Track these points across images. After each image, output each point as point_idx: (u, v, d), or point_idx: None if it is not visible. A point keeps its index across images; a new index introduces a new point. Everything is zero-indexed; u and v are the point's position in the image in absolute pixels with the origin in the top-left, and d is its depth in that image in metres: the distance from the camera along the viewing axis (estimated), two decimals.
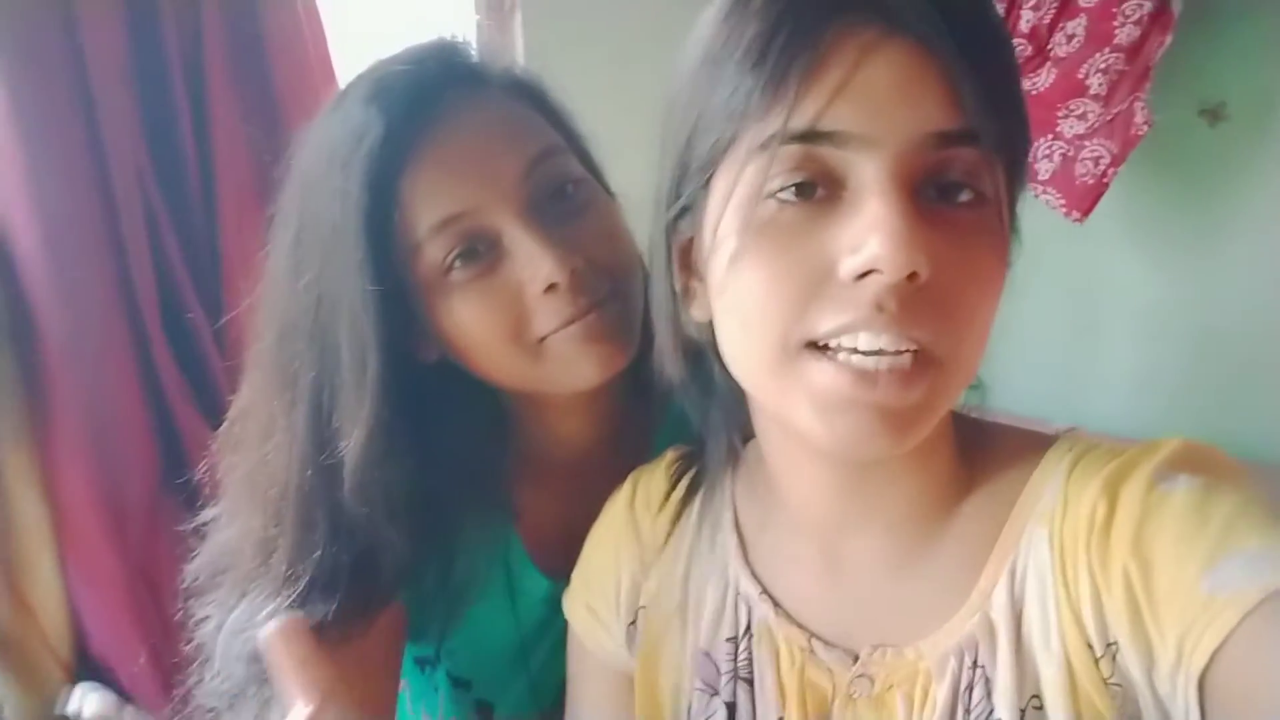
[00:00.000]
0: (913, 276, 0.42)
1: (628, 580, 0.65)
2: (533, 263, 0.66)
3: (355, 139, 0.64)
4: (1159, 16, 1.76)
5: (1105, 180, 1.87)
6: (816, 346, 0.45)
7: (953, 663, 0.51)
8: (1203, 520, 0.44)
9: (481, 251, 0.67)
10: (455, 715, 0.79)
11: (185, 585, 0.77)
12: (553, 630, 0.77)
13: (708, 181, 0.49)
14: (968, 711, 0.50)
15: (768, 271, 0.45)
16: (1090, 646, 0.47)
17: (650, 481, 0.68)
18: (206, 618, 0.74)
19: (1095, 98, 1.82)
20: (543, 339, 0.68)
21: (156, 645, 1.22)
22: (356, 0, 1.58)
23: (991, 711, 0.49)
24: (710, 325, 0.52)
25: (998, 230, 0.46)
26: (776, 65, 0.44)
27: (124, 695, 1.29)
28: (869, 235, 0.42)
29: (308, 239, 0.67)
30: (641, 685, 0.63)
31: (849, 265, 0.43)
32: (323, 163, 0.66)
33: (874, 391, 0.44)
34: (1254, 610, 0.40)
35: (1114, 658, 0.46)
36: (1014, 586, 0.51)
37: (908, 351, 0.44)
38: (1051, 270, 2.06)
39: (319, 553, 0.69)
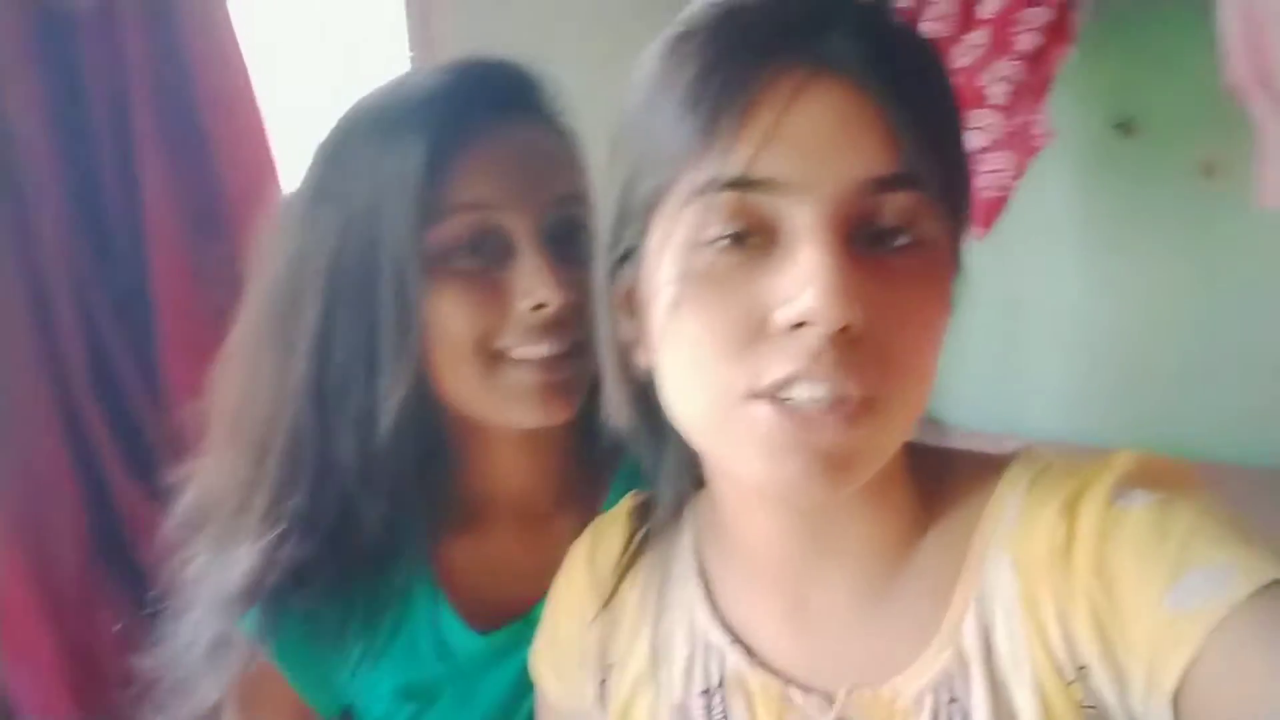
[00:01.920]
0: (846, 328, 0.42)
1: (594, 638, 0.64)
2: (534, 277, 0.68)
3: (427, 103, 0.68)
4: (1060, 25, 1.78)
5: (1006, 193, 1.87)
6: (757, 395, 0.44)
7: (929, 699, 0.51)
8: (1162, 536, 0.44)
9: (488, 251, 0.69)
10: None
11: (167, 537, 0.77)
12: (499, 679, 0.77)
13: (646, 226, 0.48)
14: None
15: (705, 322, 0.45)
16: (1060, 671, 0.47)
17: (609, 533, 0.67)
18: (190, 560, 0.75)
19: (995, 108, 1.82)
20: (505, 354, 0.69)
21: None
22: (282, 34, 1.56)
23: None
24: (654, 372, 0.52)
25: (937, 273, 0.47)
26: (710, 110, 0.43)
27: None
28: (802, 287, 0.42)
29: (342, 188, 0.69)
30: None
31: (783, 316, 0.43)
32: (377, 123, 0.69)
33: (818, 433, 0.43)
34: (1219, 626, 0.40)
35: (1085, 682, 0.46)
36: (982, 616, 0.50)
37: (846, 399, 0.43)
38: (978, 283, 2.10)
39: (301, 496, 0.70)
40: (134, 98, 1.23)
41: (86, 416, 1.20)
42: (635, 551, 0.65)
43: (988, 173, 1.86)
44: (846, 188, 0.43)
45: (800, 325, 0.43)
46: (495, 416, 0.73)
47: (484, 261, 0.69)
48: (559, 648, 0.67)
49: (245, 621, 0.73)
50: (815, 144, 0.43)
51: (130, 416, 1.23)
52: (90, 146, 1.22)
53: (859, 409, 0.44)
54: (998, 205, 1.89)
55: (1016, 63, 1.80)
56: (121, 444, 1.22)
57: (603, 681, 0.64)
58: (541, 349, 0.70)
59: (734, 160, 0.43)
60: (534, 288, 0.68)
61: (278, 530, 0.70)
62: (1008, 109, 1.82)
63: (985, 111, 1.82)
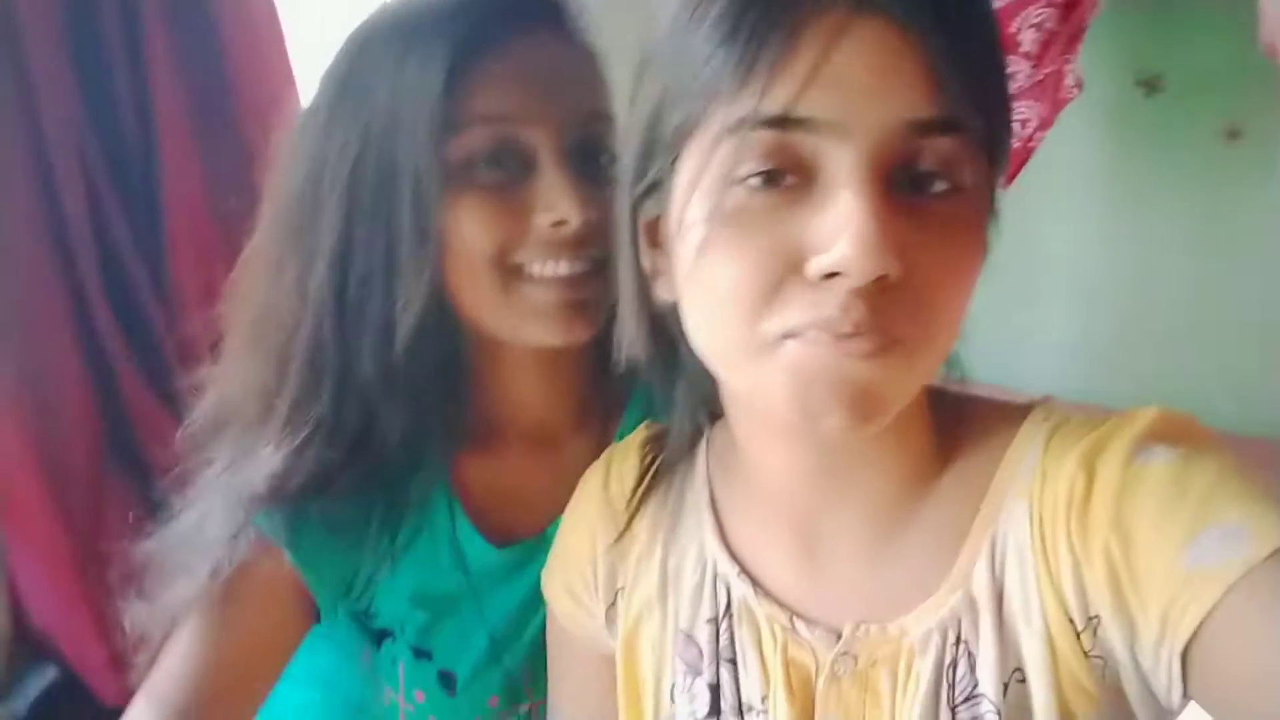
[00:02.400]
0: (881, 279, 0.41)
1: (605, 562, 0.65)
2: (555, 193, 0.67)
3: (449, 13, 0.66)
4: None
5: (1031, 144, 1.84)
6: (787, 336, 0.44)
7: (936, 639, 0.51)
8: (1181, 492, 0.44)
9: (509, 164, 0.68)
10: (418, 688, 0.79)
11: (184, 435, 0.77)
12: (510, 594, 0.78)
13: (675, 160, 0.47)
14: (952, 687, 0.51)
15: (735, 264, 0.44)
16: (1071, 620, 0.48)
17: (624, 461, 0.68)
18: (206, 462, 0.75)
19: (1026, 56, 1.78)
20: (523, 270, 0.69)
21: (103, 619, 1.18)
22: None
23: (975, 686, 0.50)
24: (676, 305, 0.51)
25: (975, 220, 0.46)
26: (748, 44, 0.42)
27: (68, 671, 1.26)
28: (838, 235, 0.41)
29: (361, 96, 0.68)
30: (623, 667, 0.63)
31: (816, 265, 0.42)
32: (398, 31, 0.68)
33: (845, 364, 0.43)
34: (1236, 584, 0.41)
35: (1095, 631, 0.47)
36: (995, 561, 0.51)
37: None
38: (991, 236, 2.08)
39: (324, 404, 0.70)
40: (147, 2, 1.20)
41: (98, 316, 1.20)
42: (650, 482, 0.65)
43: (1015, 121, 1.83)
44: (888, 130, 0.42)
45: (832, 275, 0.42)
46: (513, 334, 0.73)
47: (504, 175, 0.69)
48: (570, 570, 0.68)
49: (261, 517, 0.73)
50: (857, 84, 0.42)
51: (140, 318, 1.23)
52: (101, 45, 1.19)
53: (887, 346, 0.44)
54: (1023, 155, 1.86)
55: (1049, 9, 1.75)
56: (132, 345, 1.22)
57: (612, 604, 0.65)
58: (561, 267, 0.70)
59: (773, 97, 0.42)
60: (555, 203, 0.68)
61: (301, 435, 0.71)
62: (1038, 57, 1.78)
63: (1015, 59, 1.78)
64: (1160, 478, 0.46)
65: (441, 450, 0.79)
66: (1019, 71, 1.80)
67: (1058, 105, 1.83)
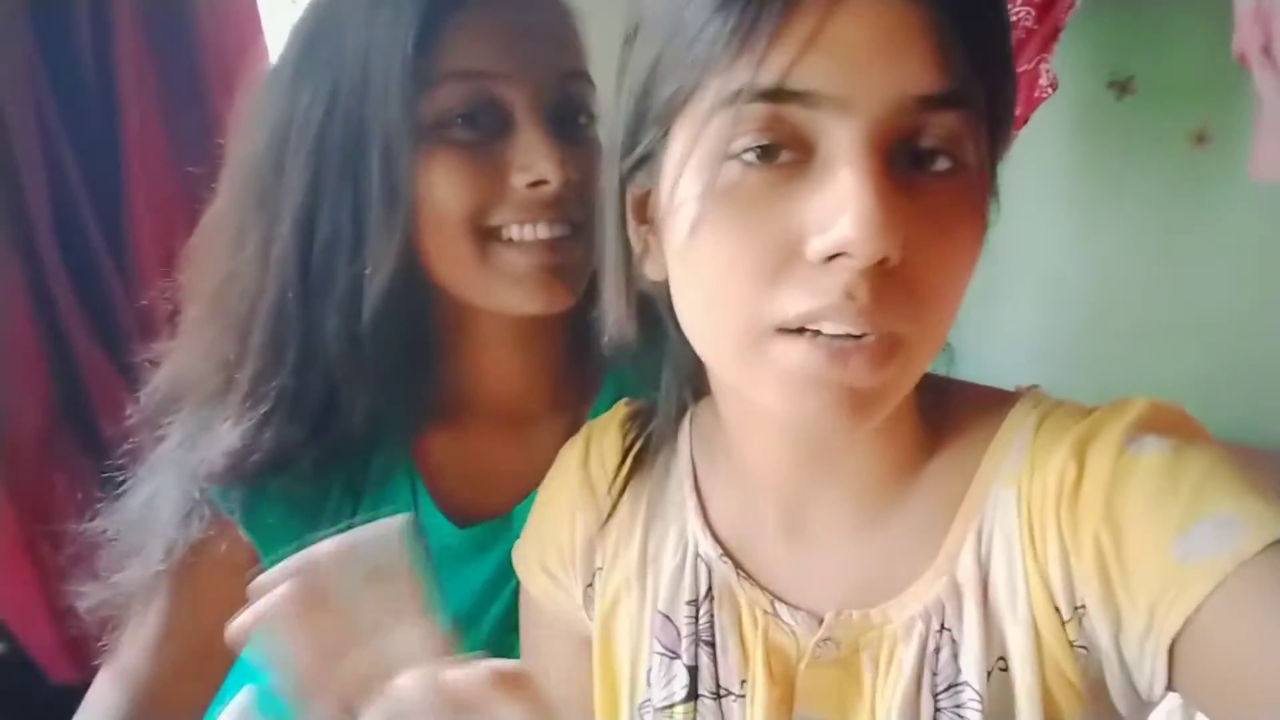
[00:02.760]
0: (883, 261, 0.40)
1: (583, 540, 0.64)
2: (534, 152, 0.65)
3: None
4: None
5: None
6: (784, 329, 0.43)
7: (919, 626, 0.51)
8: (1173, 484, 0.44)
9: (485, 123, 0.65)
10: None
11: (138, 410, 0.75)
12: (473, 575, 0.76)
13: (666, 133, 0.46)
14: (934, 674, 0.51)
15: (731, 246, 0.43)
16: (1058, 610, 0.47)
17: (604, 438, 0.66)
18: (163, 435, 0.72)
19: None
20: (500, 234, 0.67)
21: (52, 596, 1.14)
22: None
23: (958, 674, 0.50)
24: (665, 284, 0.50)
25: (976, 200, 0.45)
26: (744, 12, 0.40)
27: (16, 648, 1.22)
28: (838, 214, 0.40)
29: (330, 52, 0.65)
30: (600, 648, 0.62)
31: (816, 247, 0.41)
32: None
33: (844, 372, 0.42)
34: (1226, 579, 0.40)
35: (1080, 621, 0.47)
36: (980, 548, 0.50)
37: (874, 336, 0.42)
38: None
39: (286, 377, 0.67)
40: None
41: (53, 283, 1.16)
42: (633, 459, 0.64)
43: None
44: (890, 104, 0.40)
45: (834, 257, 0.41)
46: (490, 301, 0.70)
47: (480, 134, 0.66)
48: (547, 548, 0.66)
49: (217, 491, 0.72)
50: (858, 56, 0.40)
51: (98, 284, 1.19)
52: (68, 27, 1.14)
53: (888, 349, 0.43)
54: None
55: (1026, 8, 1.77)
56: (88, 313, 1.18)
57: (589, 584, 0.64)
58: (539, 230, 0.68)
59: (769, 69, 0.40)
60: (533, 163, 0.66)
61: (262, 410, 0.68)
62: (1013, 55, 1.79)
63: None
64: (1152, 468, 0.45)
65: (406, 427, 0.77)
66: None
67: (1032, 104, 1.84)
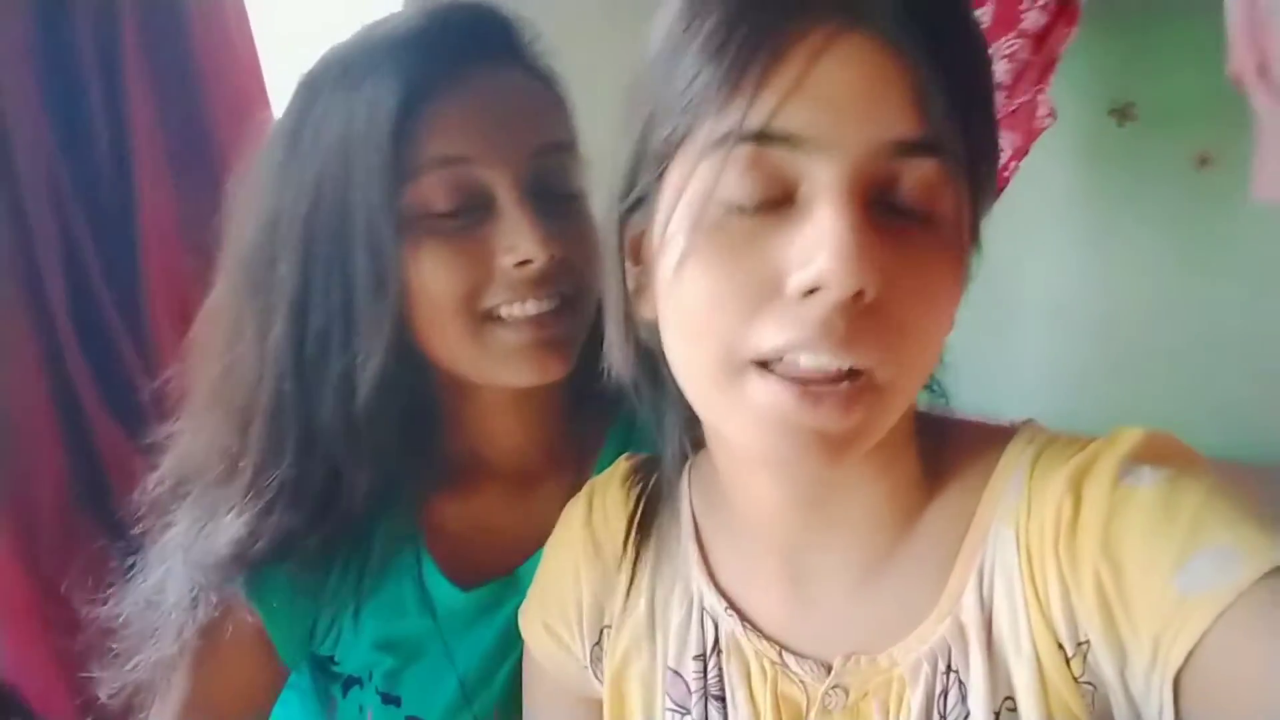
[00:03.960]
0: (860, 295, 0.41)
1: (590, 600, 0.64)
2: (517, 233, 0.66)
3: (392, 57, 0.65)
4: (1065, 6, 1.78)
5: (1006, 174, 1.87)
6: (760, 364, 0.44)
7: (926, 669, 0.51)
8: (1169, 516, 0.44)
9: (468, 207, 0.67)
10: None
11: (146, 495, 0.76)
12: (480, 637, 0.77)
13: (662, 174, 0.47)
14: (943, 716, 0.50)
15: (713, 280, 0.44)
16: (1061, 646, 0.47)
17: (607, 494, 0.66)
18: (169, 523, 0.73)
19: (998, 86, 1.79)
20: (493, 313, 0.67)
21: (70, 670, 1.14)
22: None
23: (967, 715, 0.50)
24: (657, 323, 0.51)
25: (952, 251, 0.45)
26: (735, 59, 0.42)
27: None
28: (817, 249, 0.41)
29: (313, 145, 0.66)
30: (611, 706, 0.62)
31: (796, 282, 0.42)
32: (347, 74, 0.66)
33: (815, 414, 0.43)
34: (1227, 610, 0.40)
35: (1085, 657, 0.46)
36: (983, 588, 0.50)
37: (850, 373, 0.43)
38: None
39: (287, 466, 0.68)
40: (124, 28, 1.19)
41: (69, 358, 1.17)
42: (637, 515, 0.64)
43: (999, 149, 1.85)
44: (869, 148, 0.42)
45: (813, 291, 0.42)
46: (487, 377, 0.72)
47: (464, 219, 0.68)
48: (551, 608, 0.66)
49: (232, 580, 0.72)
50: (840, 101, 0.42)
51: (114, 360, 1.21)
52: (77, 77, 1.17)
53: (861, 389, 0.44)
54: (997, 186, 1.85)
55: (1020, 40, 1.78)
56: (104, 388, 1.20)
57: (597, 643, 0.64)
58: (529, 307, 0.69)
59: (756, 112, 0.42)
60: (517, 244, 0.67)
61: (265, 500, 0.69)
62: (1010, 88, 1.81)
63: None
64: (1148, 501, 0.45)
65: (410, 496, 0.78)
66: None
67: (1032, 135, 1.85)
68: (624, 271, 0.53)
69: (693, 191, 0.45)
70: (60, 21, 1.15)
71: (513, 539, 0.78)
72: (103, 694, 0.74)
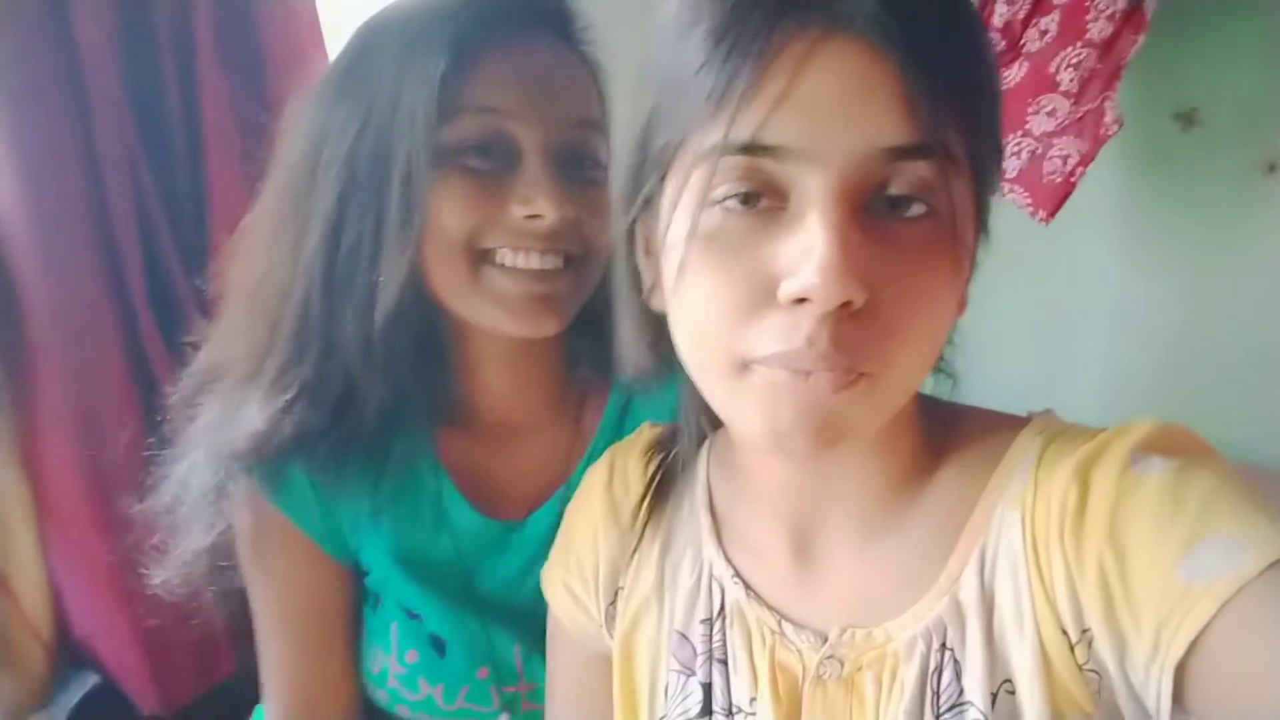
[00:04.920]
0: (846, 305, 0.41)
1: (606, 562, 0.66)
2: (535, 187, 0.70)
3: (450, 16, 0.69)
4: (1132, 14, 1.75)
5: (1073, 180, 1.84)
6: (758, 363, 0.45)
7: (921, 645, 0.52)
8: (1177, 505, 0.44)
9: (495, 155, 0.71)
10: (411, 647, 0.81)
11: (179, 388, 0.81)
12: (496, 567, 0.81)
13: (663, 178, 0.49)
14: (936, 694, 0.51)
15: (712, 285, 0.45)
16: (1065, 633, 0.47)
17: (628, 462, 0.69)
18: (196, 416, 0.79)
19: (1065, 94, 1.80)
20: (492, 257, 0.71)
21: (143, 628, 1.21)
22: None
23: (961, 694, 0.50)
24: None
25: (948, 244, 0.45)
26: (721, 71, 0.43)
27: (108, 679, 1.29)
28: (804, 260, 0.41)
29: (367, 79, 0.71)
30: (620, 665, 0.65)
31: (785, 291, 0.43)
32: (407, 26, 0.71)
33: (807, 390, 0.44)
34: (1232, 599, 0.40)
35: (1090, 644, 0.47)
36: (984, 570, 0.51)
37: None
38: (1025, 269, 2.09)
39: (309, 369, 0.73)
40: (198, 18, 1.25)
41: (144, 332, 1.24)
42: (655, 483, 0.66)
43: (1055, 158, 1.84)
44: (857, 157, 0.42)
45: (801, 300, 0.42)
46: (479, 320, 0.75)
47: (490, 164, 0.71)
48: (571, 570, 0.69)
49: (250, 470, 0.78)
50: (826, 110, 0.41)
51: (185, 333, 1.26)
52: (155, 64, 1.24)
53: (850, 381, 0.44)
54: (1064, 191, 1.85)
55: (1087, 49, 1.77)
56: (176, 359, 1.24)
57: (611, 604, 0.67)
58: (531, 259, 0.72)
59: (742, 125, 0.42)
60: (532, 196, 0.70)
61: (286, 397, 0.74)
62: (1077, 95, 1.79)
63: (1055, 97, 1.80)
64: (1156, 489, 0.45)
65: (424, 428, 0.82)
66: (1059, 109, 1.82)
67: (1099, 141, 1.83)
68: (637, 266, 0.55)
69: (687, 200, 0.46)
70: (142, 11, 1.21)
71: (518, 487, 0.82)
72: (153, 584, 0.80)
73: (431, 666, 0.80)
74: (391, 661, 0.81)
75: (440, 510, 0.81)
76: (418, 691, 0.81)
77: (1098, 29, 1.77)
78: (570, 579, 0.69)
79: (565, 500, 0.77)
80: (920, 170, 0.43)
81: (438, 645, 0.80)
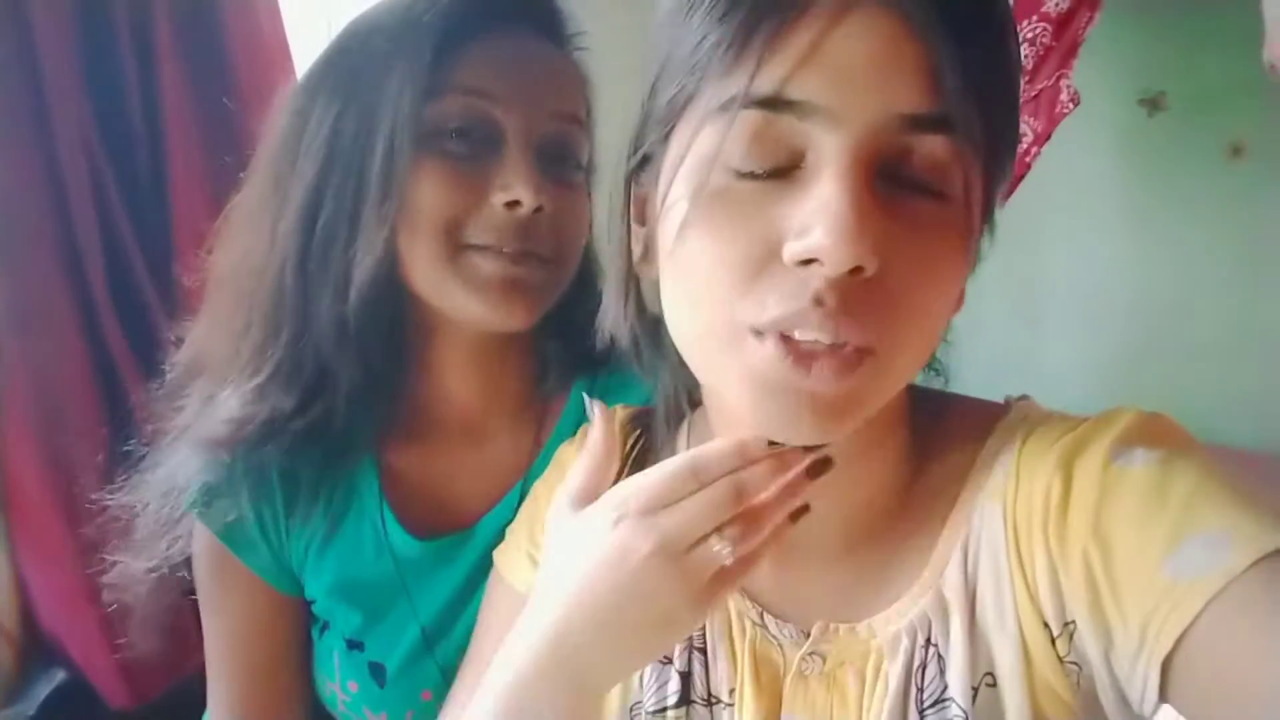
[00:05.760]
0: (856, 270, 0.40)
1: None
2: (514, 173, 0.70)
3: (445, 5, 0.69)
4: None
5: (1028, 159, 1.84)
6: (757, 331, 0.43)
7: (905, 641, 0.51)
8: (1162, 499, 0.43)
9: (477, 139, 0.70)
10: (351, 678, 0.81)
11: (163, 384, 0.81)
12: (439, 587, 0.80)
13: (667, 135, 0.47)
14: (920, 690, 0.51)
15: (715, 246, 0.44)
16: (1047, 625, 0.47)
17: None
18: (182, 406, 0.78)
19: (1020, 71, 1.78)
20: (468, 248, 0.71)
21: (110, 623, 1.19)
22: None
23: (944, 689, 0.50)
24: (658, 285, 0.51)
25: (959, 227, 0.44)
26: (744, 22, 0.41)
27: (76, 674, 1.28)
28: (816, 221, 0.40)
29: (355, 59, 0.71)
30: None
31: (791, 250, 0.41)
32: (398, 16, 0.70)
33: (808, 377, 0.42)
34: (1217, 595, 0.40)
35: (1071, 637, 0.47)
36: (967, 564, 0.51)
37: (844, 345, 0.42)
38: (994, 257, 2.09)
39: (282, 349, 0.73)
40: (157, 20, 1.23)
41: (105, 324, 1.23)
42: (631, 463, 0.65)
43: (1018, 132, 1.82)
44: (879, 120, 0.41)
45: (809, 261, 0.41)
46: (453, 308, 0.74)
47: (471, 149, 0.71)
48: (538, 539, 0.66)
49: (193, 500, 0.77)
50: (852, 71, 0.40)
51: (146, 325, 1.25)
52: (112, 49, 1.22)
53: (856, 357, 0.43)
54: (1019, 172, 1.84)
55: (1042, 24, 1.76)
56: (137, 352, 1.24)
57: None
58: (510, 245, 0.71)
59: (765, 77, 0.41)
60: (511, 184, 0.70)
61: (259, 379, 0.74)
62: (1032, 73, 1.78)
63: None
64: (1140, 482, 0.45)
65: (376, 427, 0.81)
66: None
67: (1054, 120, 1.82)
68: (629, 231, 0.53)
69: (696, 155, 0.44)
70: (98, 14, 1.19)
71: (469, 494, 0.81)
72: (114, 580, 0.80)
73: (372, 696, 0.80)
74: (337, 689, 0.81)
75: (380, 538, 0.81)
76: (364, 717, 0.81)
77: (1054, 3, 1.75)
78: (536, 549, 0.66)
79: (513, 504, 0.76)
80: (938, 147, 0.42)
81: (378, 673, 0.80)
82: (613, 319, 0.56)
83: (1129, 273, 2.15)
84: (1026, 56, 1.78)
